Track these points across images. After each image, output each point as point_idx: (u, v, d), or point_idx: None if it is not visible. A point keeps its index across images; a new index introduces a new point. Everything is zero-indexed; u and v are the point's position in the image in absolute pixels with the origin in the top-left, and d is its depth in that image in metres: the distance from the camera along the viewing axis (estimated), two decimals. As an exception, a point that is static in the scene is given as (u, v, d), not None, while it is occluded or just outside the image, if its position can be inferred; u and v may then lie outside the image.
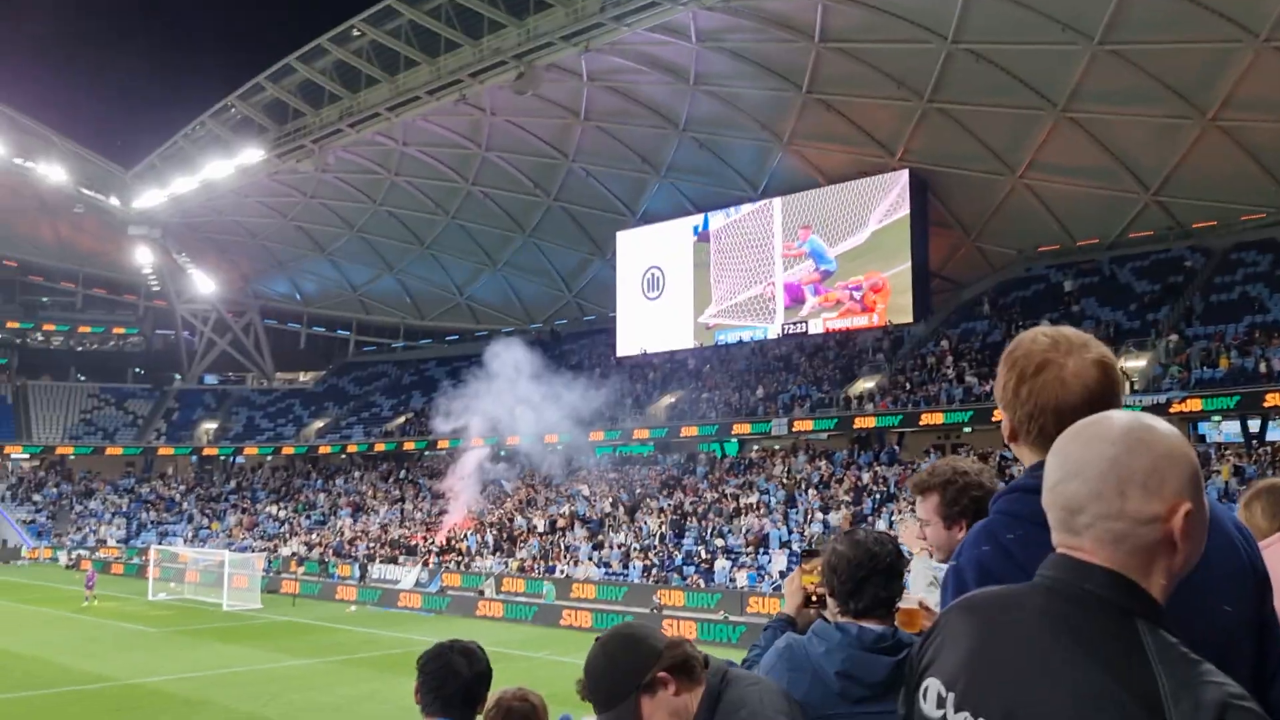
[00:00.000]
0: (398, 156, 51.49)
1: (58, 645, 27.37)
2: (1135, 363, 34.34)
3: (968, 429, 36.24)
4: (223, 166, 51.86)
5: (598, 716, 2.38)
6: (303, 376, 74.00)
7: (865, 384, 41.70)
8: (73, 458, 65.12)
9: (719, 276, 47.32)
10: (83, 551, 52.67)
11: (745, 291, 46.45)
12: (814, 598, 3.10)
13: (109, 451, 65.03)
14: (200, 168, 52.91)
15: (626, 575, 36.51)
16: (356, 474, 58.82)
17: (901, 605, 2.77)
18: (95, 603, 36.29)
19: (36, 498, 61.96)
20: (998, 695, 1.40)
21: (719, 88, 41.19)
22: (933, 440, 38.40)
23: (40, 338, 73.51)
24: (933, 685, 1.50)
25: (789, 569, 31.10)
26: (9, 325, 70.97)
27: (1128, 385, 33.44)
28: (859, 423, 39.33)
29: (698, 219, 47.97)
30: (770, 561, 33.76)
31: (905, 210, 41.05)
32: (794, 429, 40.99)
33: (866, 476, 37.45)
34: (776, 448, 44.16)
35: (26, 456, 65.19)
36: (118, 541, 56.14)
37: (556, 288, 58.21)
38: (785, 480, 39.57)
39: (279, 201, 57.95)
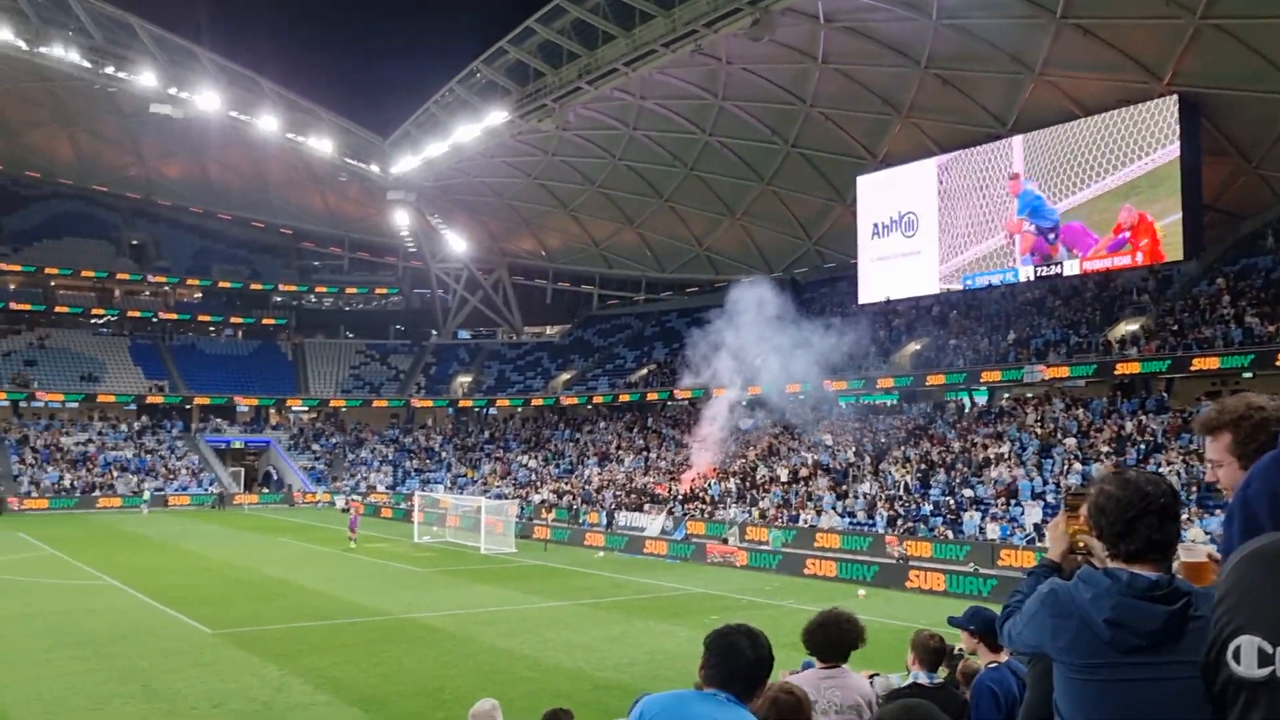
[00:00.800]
0: (635, 110, 52.06)
1: (339, 581, 29.76)
2: None
3: (1248, 374, 33.29)
4: (470, 130, 54.07)
5: None
6: (549, 330, 76.74)
7: (1128, 327, 39.10)
8: (344, 410, 70.70)
9: (959, 221, 45.36)
10: (355, 496, 56.86)
11: (987, 240, 44.43)
12: (1079, 545, 2.89)
13: (375, 404, 70.14)
14: (450, 132, 55.39)
15: (872, 525, 35.97)
16: (602, 424, 60.56)
17: (1186, 558, 2.54)
18: (354, 545, 39.04)
19: (315, 447, 67.57)
20: None
21: (963, 20, 39.12)
22: (1206, 387, 35.53)
23: (313, 299, 79.83)
24: (1247, 643, 1.36)
25: (1044, 521, 29.74)
26: (286, 288, 77.42)
27: None
28: (1120, 369, 36.93)
29: (943, 159, 46.02)
30: (1023, 513, 32.41)
31: (1175, 138, 37.82)
32: (1048, 376, 39.00)
33: (1130, 425, 35.22)
34: (1029, 395, 42.21)
35: (305, 409, 71.21)
36: (386, 488, 60.36)
37: (796, 235, 57.48)
38: (1039, 430, 37.78)
39: (522, 161, 59.92)
